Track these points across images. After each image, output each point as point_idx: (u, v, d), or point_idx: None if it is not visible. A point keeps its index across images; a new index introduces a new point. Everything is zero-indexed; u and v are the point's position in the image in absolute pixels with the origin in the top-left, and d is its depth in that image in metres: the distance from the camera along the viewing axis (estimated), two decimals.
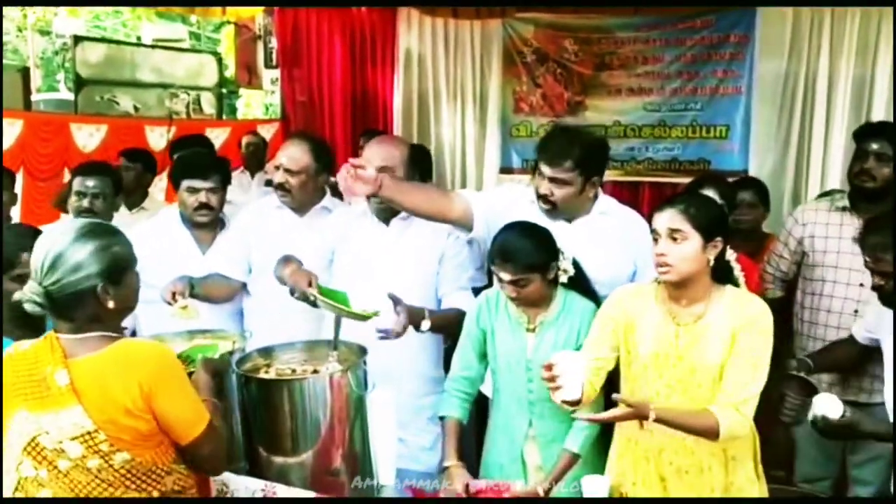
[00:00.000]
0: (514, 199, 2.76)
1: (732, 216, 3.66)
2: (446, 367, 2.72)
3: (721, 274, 2.20)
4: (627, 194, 5.48)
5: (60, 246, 1.76)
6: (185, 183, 3.05)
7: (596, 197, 2.68)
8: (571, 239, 2.50)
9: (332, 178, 2.90)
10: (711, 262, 2.14)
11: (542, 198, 2.59)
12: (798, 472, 3.18)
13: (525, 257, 2.31)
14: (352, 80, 6.44)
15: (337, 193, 3.02)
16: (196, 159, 3.22)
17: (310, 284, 2.53)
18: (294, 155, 3.00)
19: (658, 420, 1.99)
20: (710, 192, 3.07)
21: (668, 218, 2.13)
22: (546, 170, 2.54)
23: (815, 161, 5.04)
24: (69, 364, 1.75)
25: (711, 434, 2.03)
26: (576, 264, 2.43)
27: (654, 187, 5.58)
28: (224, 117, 8.93)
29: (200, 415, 1.86)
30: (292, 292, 2.58)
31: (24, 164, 4.91)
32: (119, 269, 1.82)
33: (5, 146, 4.94)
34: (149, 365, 1.77)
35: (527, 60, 5.91)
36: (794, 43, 5.06)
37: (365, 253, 2.82)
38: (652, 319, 2.22)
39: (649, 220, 2.22)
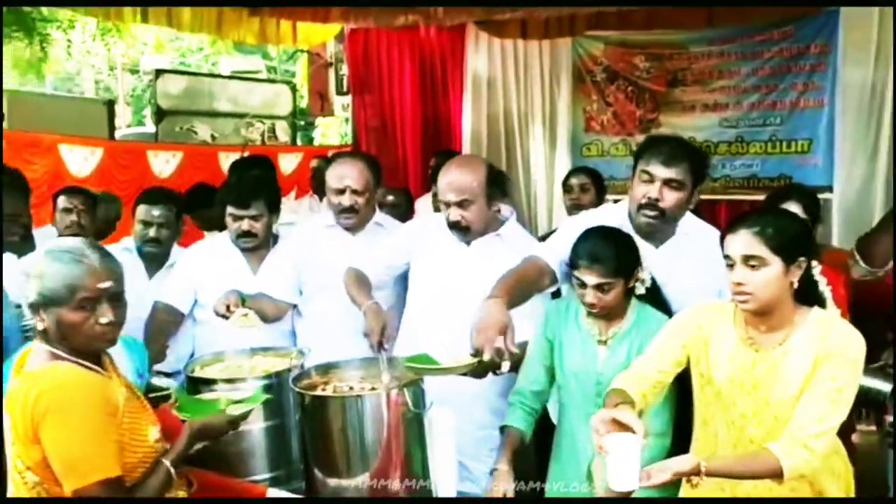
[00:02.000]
0: (588, 221, 2.56)
1: None
2: None
3: (806, 294, 2.00)
4: (704, 213, 5.29)
5: (34, 260, 1.82)
6: (228, 210, 3.06)
7: (683, 216, 2.51)
8: (658, 265, 2.37)
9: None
10: (795, 285, 1.95)
11: (648, 205, 2.39)
12: None
13: (613, 260, 2.24)
14: (422, 104, 6.47)
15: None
16: (240, 187, 3.15)
17: (228, 309, 2.68)
18: (356, 175, 2.98)
19: (710, 474, 1.79)
20: (792, 206, 2.92)
21: (742, 243, 1.92)
22: (661, 171, 2.35)
23: None
24: (20, 374, 1.76)
25: (775, 476, 1.83)
26: (652, 278, 2.33)
27: (731, 205, 5.37)
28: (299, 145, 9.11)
29: (87, 469, 1.68)
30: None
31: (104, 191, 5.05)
32: (46, 301, 1.75)
33: (87, 172, 5.13)
34: (42, 392, 1.69)
35: (597, 79, 5.81)
36: (880, 49, 4.80)
37: (443, 272, 2.74)
38: (728, 343, 2.05)
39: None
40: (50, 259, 1.78)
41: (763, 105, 5.28)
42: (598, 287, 2.24)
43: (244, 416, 2.12)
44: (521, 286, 2.37)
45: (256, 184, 3.20)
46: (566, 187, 4.26)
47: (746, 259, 1.92)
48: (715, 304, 2.15)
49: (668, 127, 5.59)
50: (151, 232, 3.25)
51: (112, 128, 7.17)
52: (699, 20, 5.28)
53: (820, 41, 5.00)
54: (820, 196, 4.70)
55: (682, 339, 2.11)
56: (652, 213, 2.40)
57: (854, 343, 1.92)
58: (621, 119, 5.76)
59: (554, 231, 3.73)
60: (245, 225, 3.02)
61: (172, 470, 1.84)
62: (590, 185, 4.10)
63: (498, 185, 2.73)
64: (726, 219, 5.36)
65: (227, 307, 2.67)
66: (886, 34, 4.75)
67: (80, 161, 5.14)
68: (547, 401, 2.50)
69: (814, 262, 2.03)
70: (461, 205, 2.62)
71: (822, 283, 2.05)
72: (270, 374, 2.46)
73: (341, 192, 2.98)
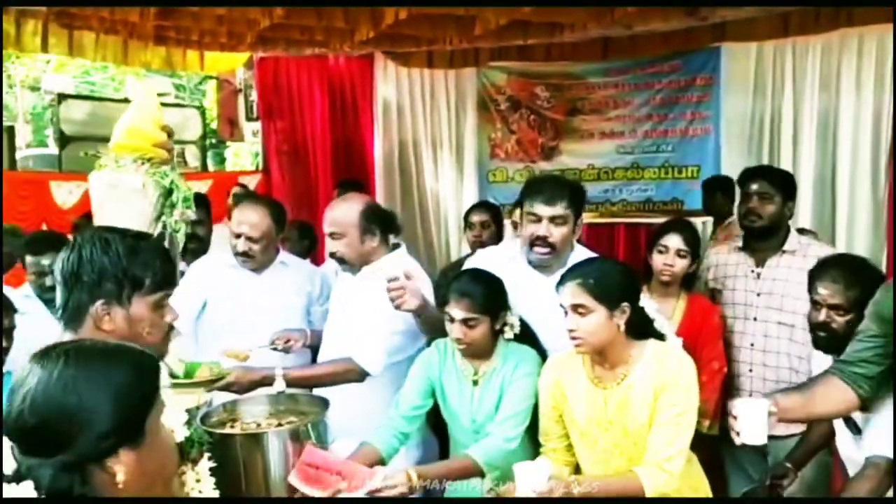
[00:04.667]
0: (486, 261, 2.75)
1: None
2: None
3: (640, 329, 2.22)
4: (603, 236, 5.57)
5: None
6: None
7: (572, 248, 2.70)
8: (549, 293, 2.45)
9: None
10: (622, 328, 2.16)
11: (539, 241, 2.59)
12: None
13: (480, 297, 2.38)
14: (332, 131, 6.53)
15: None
16: None
17: None
18: (255, 221, 2.99)
19: (584, 494, 2.01)
20: (674, 239, 3.12)
21: (569, 293, 2.15)
22: (545, 210, 2.57)
23: None
24: None
25: (638, 494, 2.07)
26: (522, 322, 2.49)
27: (629, 228, 5.66)
28: (213, 168, 9.01)
29: None
30: None
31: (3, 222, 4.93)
32: None
33: None
34: None
35: (501, 108, 6.03)
36: (757, 81, 5.17)
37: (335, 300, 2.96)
38: (581, 386, 2.26)
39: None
40: None
41: (656, 133, 5.59)
42: (465, 322, 2.38)
43: None
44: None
45: None
46: (468, 224, 4.35)
47: (574, 307, 2.14)
48: (566, 355, 2.33)
49: (569, 154, 5.85)
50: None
51: (13, 156, 6.95)
52: (595, 53, 5.57)
53: (705, 74, 5.34)
54: (707, 220, 5.05)
55: (550, 402, 2.32)
56: (544, 250, 2.60)
57: (686, 370, 2.15)
58: (525, 146, 5.98)
59: (463, 257, 3.92)
60: None
61: None
62: (490, 221, 4.24)
63: (376, 221, 2.80)
64: (625, 240, 5.67)
65: None
66: (763, 68, 5.13)
67: None
68: (417, 428, 2.59)
69: (650, 302, 2.26)
70: (332, 236, 2.77)
71: (658, 319, 2.29)
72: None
73: (238, 236, 3.00)
